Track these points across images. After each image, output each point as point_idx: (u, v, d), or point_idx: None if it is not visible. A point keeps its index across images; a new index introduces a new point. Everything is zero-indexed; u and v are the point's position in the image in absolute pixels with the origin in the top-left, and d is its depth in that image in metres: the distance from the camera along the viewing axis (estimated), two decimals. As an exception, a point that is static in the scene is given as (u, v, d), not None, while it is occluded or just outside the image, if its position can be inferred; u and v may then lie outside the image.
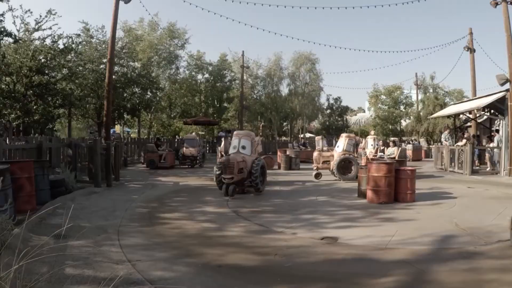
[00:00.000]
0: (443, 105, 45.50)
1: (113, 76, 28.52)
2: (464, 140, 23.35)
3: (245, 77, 48.24)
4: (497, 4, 23.21)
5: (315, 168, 19.93)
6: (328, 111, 62.03)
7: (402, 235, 8.55)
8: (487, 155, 23.45)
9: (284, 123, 58.75)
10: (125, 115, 36.20)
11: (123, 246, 7.31)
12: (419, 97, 57.36)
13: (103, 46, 30.94)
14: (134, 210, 11.05)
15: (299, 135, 53.66)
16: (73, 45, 27.44)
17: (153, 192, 14.73)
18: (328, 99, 61.56)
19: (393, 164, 13.38)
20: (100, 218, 9.80)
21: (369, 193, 12.89)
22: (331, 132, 59.09)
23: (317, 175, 19.52)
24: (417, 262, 6.77)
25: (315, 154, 20.52)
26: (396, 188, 12.99)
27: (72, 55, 28.52)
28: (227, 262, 6.69)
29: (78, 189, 13.88)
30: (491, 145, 23.57)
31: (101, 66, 30.55)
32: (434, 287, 5.77)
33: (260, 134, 50.61)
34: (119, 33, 37.92)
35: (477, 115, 31.79)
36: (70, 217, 9.75)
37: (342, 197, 14.14)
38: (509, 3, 22.86)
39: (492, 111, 29.21)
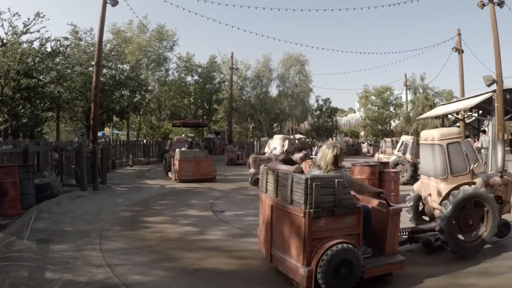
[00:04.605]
0: (432, 106, 45.79)
1: (102, 79, 28.52)
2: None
3: (234, 79, 48.25)
4: (484, 5, 23.42)
5: (252, 172, 17.98)
6: (318, 112, 62.13)
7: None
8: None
9: (274, 125, 58.75)
10: (114, 118, 36.15)
11: (103, 251, 7.38)
12: (410, 98, 57.68)
13: (92, 48, 30.80)
14: (118, 214, 11.08)
15: (290, 136, 53.79)
16: (61, 48, 27.43)
17: (139, 195, 14.70)
18: (317, 100, 61.71)
19: (376, 166, 13.50)
20: (84, 222, 9.83)
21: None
22: (320, 133, 59.32)
23: (256, 181, 17.10)
24: (396, 264, 6.80)
25: (251, 157, 18.41)
26: (380, 190, 13.06)
27: (60, 58, 28.46)
28: (205, 266, 6.78)
29: (64, 192, 13.82)
30: (477, 145, 23.73)
31: (90, 69, 30.40)
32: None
33: (250, 135, 50.65)
34: (108, 36, 37.92)
35: (465, 116, 32.01)
36: (54, 221, 9.89)
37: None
38: (496, 4, 23.09)
39: (480, 111, 29.47)
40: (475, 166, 7.80)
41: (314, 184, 5.46)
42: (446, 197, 7.54)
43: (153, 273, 6.34)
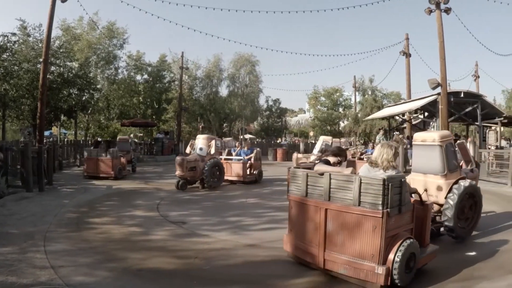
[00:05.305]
0: (381, 107, 46.83)
1: (50, 77, 28.07)
2: (394, 143, 24.14)
3: (184, 78, 48.09)
4: (431, 11, 24.22)
5: (179, 175, 16.73)
6: (267, 112, 62.65)
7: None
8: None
9: (224, 125, 58.85)
10: (61, 117, 35.62)
11: (48, 252, 7.41)
12: (359, 99, 58.73)
13: (40, 45, 30.20)
14: (63, 215, 11.06)
15: (240, 136, 53.97)
16: (9, 44, 26.91)
17: (85, 196, 14.63)
18: (267, 101, 62.22)
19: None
20: (28, 224, 9.78)
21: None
22: (269, 134, 59.85)
23: (183, 185, 16.65)
24: (334, 262, 7.10)
25: (178, 159, 16.80)
26: (325, 189, 13.40)
27: (7, 54, 27.89)
28: (148, 266, 6.93)
29: (9, 194, 13.67)
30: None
31: (38, 66, 29.80)
32: (347, 286, 6.10)
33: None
34: (57, 32, 37.25)
35: (411, 117, 32.98)
36: (-2, 223, 9.82)
37: (272, 199, 14.54)
38: (442, 11, 23.92)
39: (426, 113, 30.43)
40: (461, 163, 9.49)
41: (390, 184, 5.68)
42: (451, 190, 8.71)
43: (96, 274, 6.44)
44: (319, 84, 78.86)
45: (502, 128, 34.49)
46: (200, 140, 18.18)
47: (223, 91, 56.78)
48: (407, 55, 34.64)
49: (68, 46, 35.53)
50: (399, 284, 5.76)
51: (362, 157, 21.32)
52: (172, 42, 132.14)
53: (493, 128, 34.30)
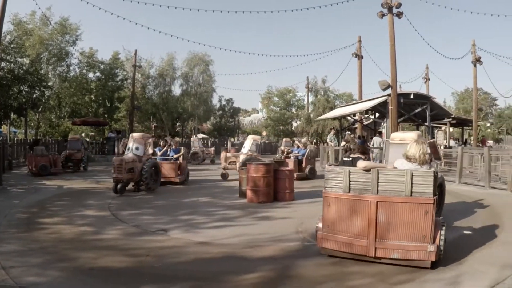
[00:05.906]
0: (333, 107, 47.53)
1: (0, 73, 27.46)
2: (343, 143, 24.69)
3: (137, 77, 47.65)
4: (383, 15, 24.75)
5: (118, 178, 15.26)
6: (220, 112, 62.82)
7: (274, 232, 9.16)
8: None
9: (177, 124, 58.60)
10: (11, 115, 34.85)
11: (-2, 253, 7.34)
12: (311, 100, 59.39)
13: (-9, 40, 29.56)
14: (13, 216, 10.94)
15: (193, 135, 53.94)
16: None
17: (36, 196, 14.47)
18: (220, 100, 62.52)
19: (271, 165, 14.09)
20: (-22, 225, 9.66)
21: (249, 193, 13.53)
22: (222, 133, 60.00)
23: (121, 189, 15.25)
24: (284, 258, 7.32)
25: (116, 160, 15.55)
26: (275, 187, 13.76)
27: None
28: (99, 265, 6.96)
29: (-42, 194, 13.47)
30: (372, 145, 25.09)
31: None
32: (295, 281, 6.28)
33: (153, 134, 50.38)
34: (9, 26, 36.21)
35: (362, 117, 33.66)
36: None
37: (224, 197, 14.74)
38: (394, 15, 24.48)
39: (377, 114, 31.13)
40: None
41: (436, 176, 6.68)
42: None
43: (48, 274, 6.44)
44: (272, 84, 79.84)
45: (451, 129, 35.62)
46: (135, 139, 16.75)
47: (176, 90, 56.74)
48: (359, 57, 35.31)
49: (20, 42, 34.77)
50: (441, 258, 6.70)
51: (289, 155, 21.83)
52: (126, 39, 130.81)
53: (442, 128, 35.40)
